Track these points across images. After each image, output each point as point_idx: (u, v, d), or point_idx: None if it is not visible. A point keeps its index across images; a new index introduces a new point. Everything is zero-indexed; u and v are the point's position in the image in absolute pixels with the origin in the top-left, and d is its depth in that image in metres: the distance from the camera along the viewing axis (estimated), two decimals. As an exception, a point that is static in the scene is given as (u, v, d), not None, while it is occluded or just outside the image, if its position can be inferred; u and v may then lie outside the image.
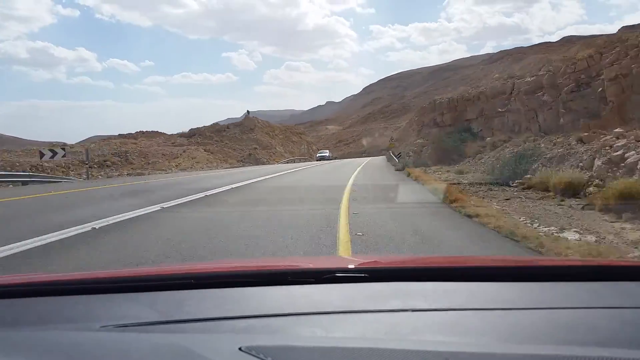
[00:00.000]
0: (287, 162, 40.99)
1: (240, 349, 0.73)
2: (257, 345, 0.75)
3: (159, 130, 48.55)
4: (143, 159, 29.58)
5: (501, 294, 1.11)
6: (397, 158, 27.26)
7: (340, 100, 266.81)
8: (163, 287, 1.16)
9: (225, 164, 34.85)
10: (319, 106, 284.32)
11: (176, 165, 28.98)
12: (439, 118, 28.32)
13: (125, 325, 0.91)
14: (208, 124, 51.90)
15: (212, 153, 37.86)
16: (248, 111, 53.92)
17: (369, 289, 1.14)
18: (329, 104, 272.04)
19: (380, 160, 35.17)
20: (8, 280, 1.37)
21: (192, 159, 32.61)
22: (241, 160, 40.83)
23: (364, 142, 75.92)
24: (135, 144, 37.21)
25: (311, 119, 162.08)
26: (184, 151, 34.90)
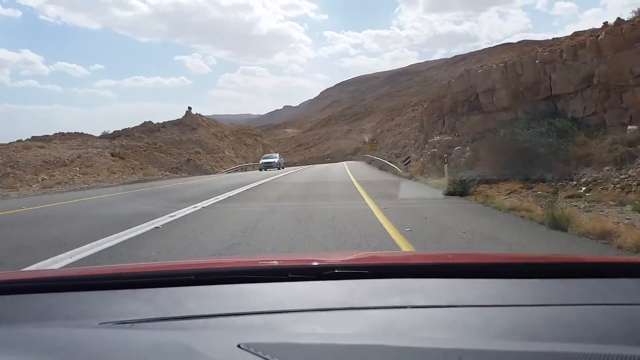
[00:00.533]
0: (230, 172, 32.46)
1: (239, 345, 0.73)
2: (256, 342, 0.75)
3: (85, 132, 38.69)
4: (9, 169, 19.75)
5: (500, 290, 1.11)
6: (406, 165, 18.66)
7: (298, 104, 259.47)
8: (162, 284, 1.15)
9: (138, 174, 25.40)
10: (277, 110, 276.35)
11: (46, 179, 19.24)
12: (485, 98, 14.70)
13: (125, 322, 0.90)
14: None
15: (122, 159, 28.17)
16: (189, 107, 44.28)
17: (369, 285, 1.13)
18: (287, 108, 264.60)
19: (361, 168, 25.50)
20: (7, 276, 1.35)
21: (87, 167, 23.01)
22: (176, 169, 31.45)
23: (328, 145, 69.14)
24: (42, 147, 27.30)
25: (269, 123, 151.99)
26: (79, 157, 25.00)
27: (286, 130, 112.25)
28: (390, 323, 0.91)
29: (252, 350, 0.71)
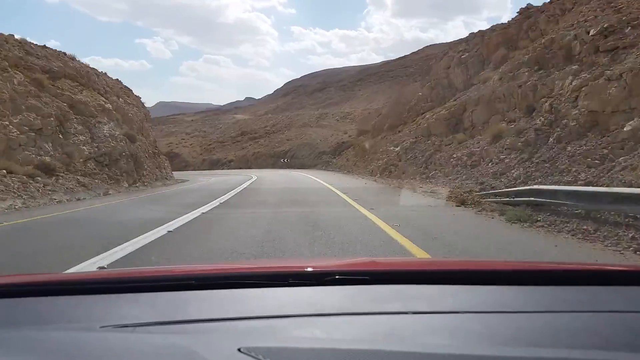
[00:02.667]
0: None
1: (239, 350, 0.74)
2: (256, 346, 0.76)
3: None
4: None
5: (502, 297, 1.12)
6: None
7: (260, 97, 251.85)
8: (163, 288, 1.16)
9: None
10: (237, 101, 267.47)
11: None
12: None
13: (126, 326, 0.91)
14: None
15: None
16: None
17: (370, 291, 1.15)
18: (248, 99, 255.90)
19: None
20: (8, 280, 1.35)
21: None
22: None
23: (287, 136, 50.95)
24: None
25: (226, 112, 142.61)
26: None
27: (235, 115, 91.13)
28: (390, 329, 0.92)
29: (252, 354, 0.72)
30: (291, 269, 1.38)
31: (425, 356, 0.74)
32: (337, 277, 1.19)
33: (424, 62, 78.29)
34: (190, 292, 1.13)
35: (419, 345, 0.83)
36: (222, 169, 54.24)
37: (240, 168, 51.87)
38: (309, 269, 1.33)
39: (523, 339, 0.87)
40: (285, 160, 45.65)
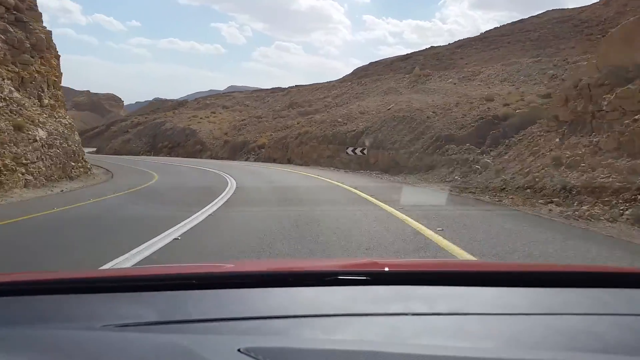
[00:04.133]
0: None
1: (239, 350, 0.74)
2: (256, 346, 0.76)
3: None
4: None
5: (503, 299, 1.12)
6: None
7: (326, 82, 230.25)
8: (164, 287, 1.15)
9: None
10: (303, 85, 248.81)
11: None
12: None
13: (126, 325, 0.91)
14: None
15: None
16: None
17: (371, 292, 1.14)
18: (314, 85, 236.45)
19: None
20: (8, 278, 1.34)
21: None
22: None
23: (360, 108, 27.75)
24: None
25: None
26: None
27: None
28: (391, 330, 0.92)
29: (252, 354, 0.73)
30: (291, 269, 1.40)
31: (425, 358, 0.74)
32: (337, 277, 1.18)
33: (559, 25, 53.26)
34: (191, 292, 1.12)
35: (419, 346, 0.82)
36: (241, 161, 32.80)
37: (274, 161, 29.76)
38: (310, 270, 1.37)
39: (524, 340, 0.87)
40: (358, 152, 21.51)
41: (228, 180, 15.22)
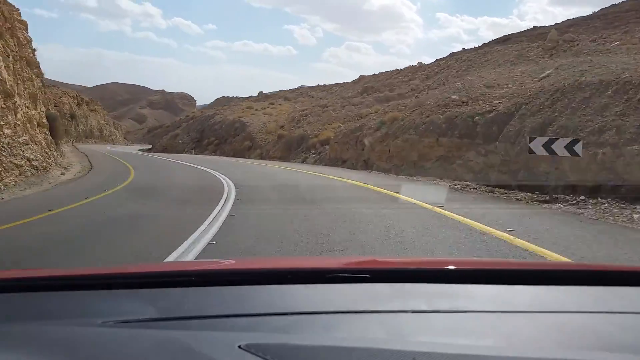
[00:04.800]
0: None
1: (239, 346, 0.74)
2: (256, 343, 0.76)
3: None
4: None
5: (502, 296, 1.11)
6: None
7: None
8: (164, 284, 1.15)
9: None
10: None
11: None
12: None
13: (126, 322, 0.91)
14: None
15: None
16: None
17: (370, 289, 1.14)
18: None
19: None
20: (9, 274, 1.36)
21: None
22: None
23: (482, 79, 17.24)
24: None
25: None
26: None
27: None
28: (391, 327, 0.92)
29: (252, 351, 0.73)
30: (292, 267, 1.38)
31: (425, 355, 0.74)
32: (338, 275, 1.18)
33: None
34: (191, 289, 1.11)
35: (419, 343, 0.82)
36: (296, 164, 23.38)
37: (343, 163, 19.99)
38: (310, 267, 1.37)
39: (523, 338, 0.87)
40: (561, 150, 8.55)
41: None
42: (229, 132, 36.78)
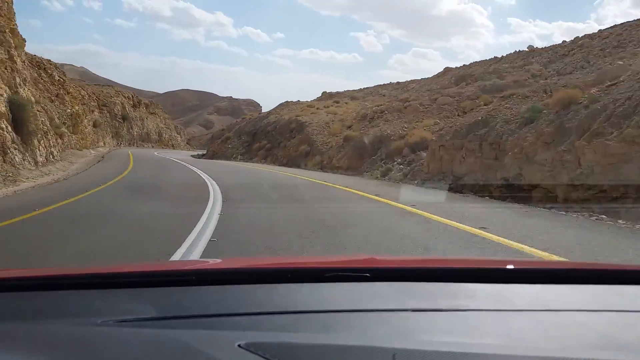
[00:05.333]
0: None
1: (239, 345, 0.74)
2: (256, 342, 0.76)
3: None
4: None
5: (502, 295, 1.11)
6: None
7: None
8: (163, 284, 1.15)
9: None
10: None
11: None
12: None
13: (126, 321, 0.91)
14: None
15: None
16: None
17: (371, 288, 1.13)
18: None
19: None
20: (8, 273, 1.35)
21: None
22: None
23: None
24: None
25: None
26: None
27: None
28: (391, 326, 0.92)
29: (252, 349, 0.73)
30: (291, 266, 1.38)
31: (425, 353, 0.74)
32: (337, 274, 1.17)
33: None
34: (190, 288, 1.11)
35: (418, 342, 0.82)
36: (376, 181, 15.18)
37: (470, 189, 11.50)
38: (310, 266, 1.35)
39: (522, 337, 0.87)
40: None
41: None
42: (283, 134, 29.64)
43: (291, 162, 24.64)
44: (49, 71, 26.91)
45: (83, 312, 0.98)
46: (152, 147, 69.08)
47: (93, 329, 0.87)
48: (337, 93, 49.42)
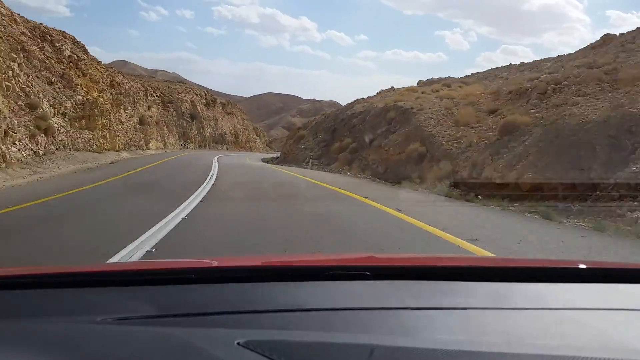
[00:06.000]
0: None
1: (238, 343, 0.75)
2: (255, 340, 0.76)
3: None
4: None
5: (502, 294, 1.11)
6: None
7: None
8: (163, 282, 1.15)
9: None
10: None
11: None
12: None
13: (125, 319, 0.91)
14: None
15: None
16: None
17: (370, 286, 1.14)
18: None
19: None
20: (8, 271, 1.34)
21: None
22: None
23: None
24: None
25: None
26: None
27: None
28: (390, 324, 0.92)
29: (251, 347, 0.73)
30: (291, 264, 1.37)
31: (424, 351, 0.74)
32: (337, 272, 1.17)
33: None
34: (190, 286, 1.11)
35: (418, 340, 0.82)
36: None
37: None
38: (310, 264, 1.35)
39: (522, 335, 0.87)
40: None
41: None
42: (376, 128, 19.86)
43: (393, 172, 14.85)
44: (57, 44, 20.13)
45: (82, 310, 0.98)
46: (227, 149, 63.34)
47: (92, 326, 0.87)
48: (439, 79, 38.63)
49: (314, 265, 1.32)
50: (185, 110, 49.71)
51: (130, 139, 28.27)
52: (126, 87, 30.34)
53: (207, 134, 56.93)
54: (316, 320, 0.93)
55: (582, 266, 1.39)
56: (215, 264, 1.38)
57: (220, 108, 67.82)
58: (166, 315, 0.93)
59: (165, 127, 41.07)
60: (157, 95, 43.31)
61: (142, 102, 35.36)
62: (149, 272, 1.26)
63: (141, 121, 33.72)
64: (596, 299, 1.09)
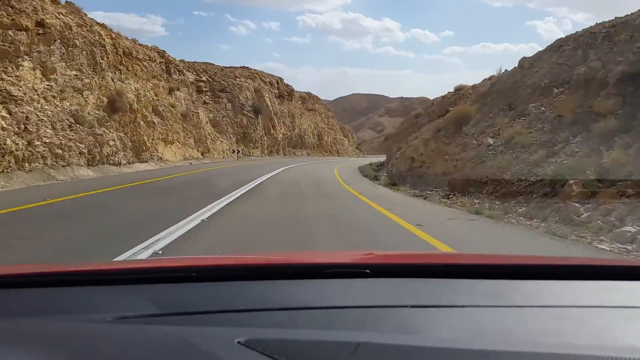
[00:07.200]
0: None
1: (238, 342, 0.75)
2: (255, 338, 0.77)
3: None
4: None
5: (504, 291, 1.11)
6: None
7: None
8: (163, 280, 1.16)
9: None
10: None
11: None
12: None
13: (125, 317, 0.91)
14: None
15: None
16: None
17: (370, 284, 1.14)
18: None
19: None
20: (8, 270, 1.34)
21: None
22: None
23: None
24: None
25: None
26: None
27: None
28: (390, 322, 0.92)
29: (251, 346, 0.74)
30: (291, 262, 1.39)
31: (424, 350, 0.75)
32: (337, 270, 1.18)
33: None
34: (191, 285, 1.12)
35: (418, 338, 0.83)
36: None
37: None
38: (310, 262, 1.36)
39: (521, 333, 0.88)
40: None
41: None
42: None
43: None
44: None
45: (82, 309, 0.98)
46: (307, 154, 49.87)
47: (92, 325, 0.87)
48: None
49: (313, 263, 1.34)
50: (246, 101, 36.33)
51: (154, 143, 14.67)
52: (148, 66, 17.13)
53: (280, 136, 43.45)
54: (316, 319, 0.92)
55: (582, 263, 1.41)
56: (214, 262, 1.40)
57: (300, 102, 54.59)
58: (166, 314, 0.93)
59: (206, 124, 27.83)
60: (207, 82, 30.69)
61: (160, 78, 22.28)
62: (149, 270, 1.27)
63: (161, 115, 20.79)
64: (596, 296, 1.09)
